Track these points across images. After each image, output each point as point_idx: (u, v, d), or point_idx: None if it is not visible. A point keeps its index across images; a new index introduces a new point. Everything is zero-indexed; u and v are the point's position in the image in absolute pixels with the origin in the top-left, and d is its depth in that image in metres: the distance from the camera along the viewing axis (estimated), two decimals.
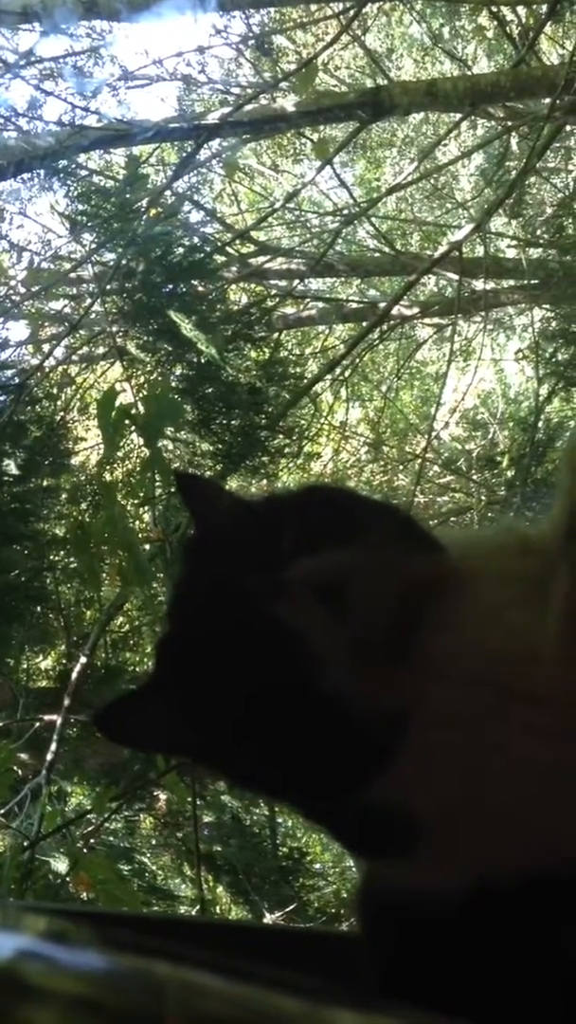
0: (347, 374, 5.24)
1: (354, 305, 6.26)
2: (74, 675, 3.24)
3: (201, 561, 0.83)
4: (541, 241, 5.84)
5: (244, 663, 0.71)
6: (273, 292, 5.72)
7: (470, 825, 0.67)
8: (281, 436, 3.92)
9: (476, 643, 0.70)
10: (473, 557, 0.78)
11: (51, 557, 3.86)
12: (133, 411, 2.16)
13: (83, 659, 3.34)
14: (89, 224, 3.98)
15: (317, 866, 4.04)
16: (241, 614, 0.72)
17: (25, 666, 4.27)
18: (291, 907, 3.61)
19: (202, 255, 4.06)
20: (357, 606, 0.70)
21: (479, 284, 5.37)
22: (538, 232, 6.10)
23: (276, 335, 4.87)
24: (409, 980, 0.70)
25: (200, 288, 3.90)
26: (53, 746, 3.06)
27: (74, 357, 4.95)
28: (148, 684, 0.81)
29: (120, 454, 4.05)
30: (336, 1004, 0.43)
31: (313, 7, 5.76)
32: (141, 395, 3.14)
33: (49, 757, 3.05)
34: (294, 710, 0.70)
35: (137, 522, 3.43)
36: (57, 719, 3.13)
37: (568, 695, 0.67)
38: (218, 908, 4.01)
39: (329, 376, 4.53)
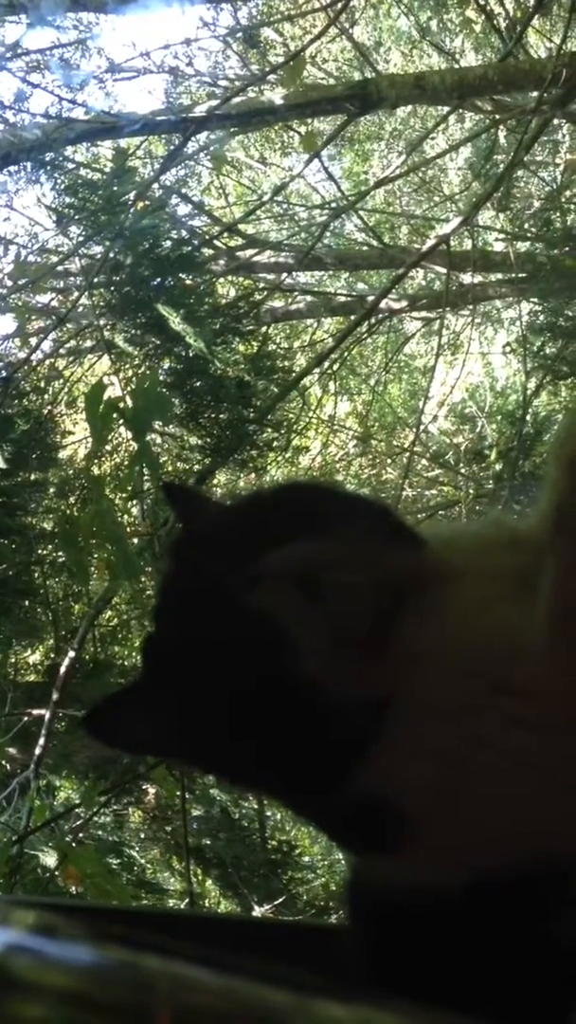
0: (335, 368, 5.24)
1: (342, 298, 6.25)
2: (62, 669, 3.24)
3: (184, 560, 0.84)
4: (529, 235, 5.85)
5: (224, 655, 0.72)
6: (261, 285, 5.71)
7: (456, 818, 0.68)
8: (269, 430, 3.91)
9: (462, 636, 0.70)
10: (460, 551, 0.78)
11: (39, 551, 3.85)
12: (121, 405, 2.15)
13: (71, 653, 3.33)
14: (76, 217, 3.97)
15: (306, 859, 4.05)
16: (220, 607, 0.73)
17: (13, 660, 4.26)
18: (280, 900, 3.62)
19: (190, 248, 4.05)
20: (331, 593, 0.71)
21: (467, 277, 5.37)
22: (526, 226, 6.10)
23: (264, 328, 4.86)
24: (396, 972, 0.71)
25: (188, 281, 3.89)
26: (41, 740, 3.05)
27: (61, 351, 4.93)
28: (135, 684, 0.81)
29: (108, 448, 4.04)
30: (324, 996, 0.43)
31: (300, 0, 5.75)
32: (129, 389, 3.14)
33: (37, 751, 3.05)
34: (276, 700, 0.70)
35: (125, 516, 3.42)
36: (45, 713, 3.13)
37: (555, 689, 0.67)
38: (207, 901, 4.01)
39: (317, 370, 4.53)
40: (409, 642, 0.70)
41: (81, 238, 4.05)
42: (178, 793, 2.94)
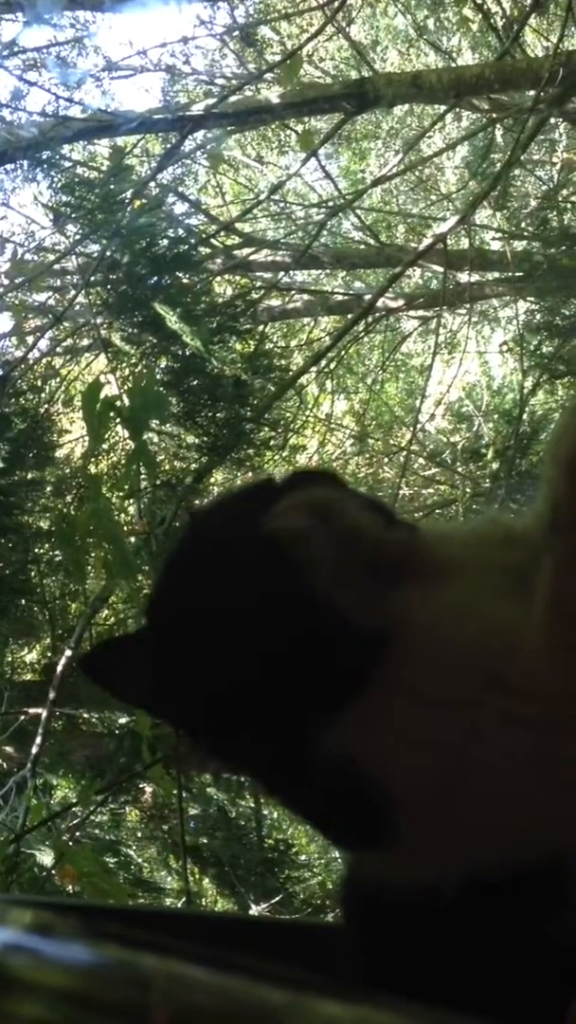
0: (332, 366, 5.24)
1: (339, 297, 6.24)
2: (59, 668, 3.23)
3: (193, 524, 0.87)
4: (526, 233, 5.84)
5: (231, 589, 0.73)
6: (258, 284, 5.71)
7: (448, 813, 0.68)
8: (266, 428, 3.91)
9: (457, 631, 0.71)
10: (457, 548, 0.78)
11: (36, 550, 3.84)
12: (118, 403, 2.15)
13: (68, 652, 3.33)
14: (73, 215, 3.96)
15: (302, 858, 4.05)
16: (228, 542, 0.76)
17: (10, 659, 4.25)
18: (277, 899, 3.62)
19: (187, 247, 4.04)
20: (339, 526, 0.72)
21: (464, 276, 5.37)
22: (523, 224, 6.10)
23: (261, 327, 4.85)
24: (392, 969, 0.71)
25: (185, 280, 3.88)
26: (38, 739, 3.05)
27: (58, 349, 4.92)
28: (137, 632, 0.82)
29: (105, 447, 4.03)
30: (322, 995, 0.43)
31: None
32: (126, 387, 3.14)
33: (34, 750, 3.04)
34: (276, 631, 0.71)
35: (122, 515, 3.42)
36: (42, 712, 3.13)
37: (549, 686, 0.67)
38: (204, 900, 4.01)
39: (314, 368, 4.52)
40: (409, 637, 0.70)
41: (78, 236, 4.05)
42: (175, 792, 2.94)
